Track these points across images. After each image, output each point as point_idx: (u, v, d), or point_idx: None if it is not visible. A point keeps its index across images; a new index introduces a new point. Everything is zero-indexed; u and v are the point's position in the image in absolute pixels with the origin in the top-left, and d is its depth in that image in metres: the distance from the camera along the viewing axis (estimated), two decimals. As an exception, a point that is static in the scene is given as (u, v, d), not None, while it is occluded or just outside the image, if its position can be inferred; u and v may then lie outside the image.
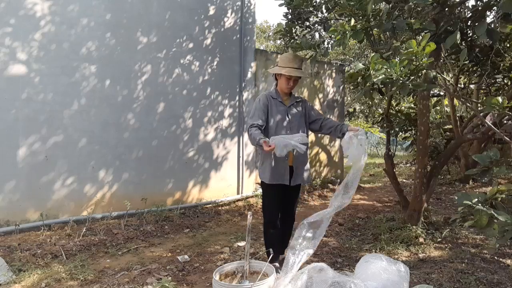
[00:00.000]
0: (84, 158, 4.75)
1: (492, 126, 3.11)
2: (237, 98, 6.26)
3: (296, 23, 5.33)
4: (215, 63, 5.98)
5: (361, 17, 3.29)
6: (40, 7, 4.39)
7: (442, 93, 7.19)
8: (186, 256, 3.67)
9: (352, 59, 13.83)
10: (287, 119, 3.16)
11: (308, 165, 3.31)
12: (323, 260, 3.52)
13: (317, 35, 5.54)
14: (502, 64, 4.70)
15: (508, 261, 3.50)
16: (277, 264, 3.06)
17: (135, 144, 5.15)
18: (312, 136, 7.56)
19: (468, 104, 4.07)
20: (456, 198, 2.36)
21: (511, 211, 2.30)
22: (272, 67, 3.57)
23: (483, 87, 6.83)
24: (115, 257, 3.68)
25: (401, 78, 2.66)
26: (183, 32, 5.59)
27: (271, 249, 2.93)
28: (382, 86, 3.59)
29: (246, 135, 6.36)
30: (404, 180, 8.40)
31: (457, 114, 6.38)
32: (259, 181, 3.28)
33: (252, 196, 6.22)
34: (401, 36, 4.06)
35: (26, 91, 4.34)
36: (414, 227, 4.21)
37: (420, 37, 2.88)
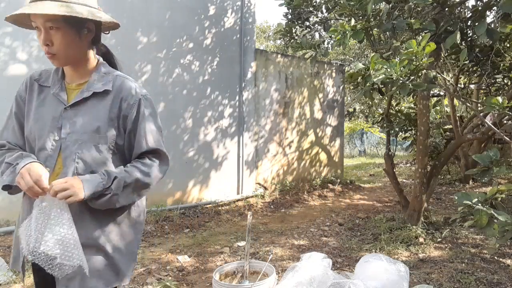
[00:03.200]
0: (84, 158, 4.74)
1: (492, 126, 3.11)
2: (237, 98, 6.26)
3: (296, 23, 5.34)
4: (215, 63, 5.98)
5: (361, 17, 3.30)
6: (40, 7, 4.39)
7: (442, 93, 7.19)
8: (186, 256, 3.67)
9: (352, 59, 13.86)
10: (56, 137, 1.39)
11: (104, 254, 1.38)
12: (323, 260, 3.52)
13: (317, 35, 5.55)
14: (502, 64, 4.71)
15: (508, 261, 3.50)
16: None
17: (135, 144, 5.14)
18: (312, 136, 7.56)
19: (468, 104, 4.07)
20: (456, 198, 2.36)
21: (511, 211, 2.30)
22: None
23: (483, 87, 6.84)
24: (115, 257, 3.68)
25: (401, 78, 2.67)
26: (183, 32, 5.59)
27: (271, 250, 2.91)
28: (382, 86, 3.59)
29: (246, 135, 6.36)
30: (404, 180, 8.39)
31: (457, 114, 6.38)
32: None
33: (252, 196, 6.21)
34: (401, 36, 4.06)
35: (26, 91, 4.34)
36: (414, 227, 4.21)
37: (420, 37, 2.88)
